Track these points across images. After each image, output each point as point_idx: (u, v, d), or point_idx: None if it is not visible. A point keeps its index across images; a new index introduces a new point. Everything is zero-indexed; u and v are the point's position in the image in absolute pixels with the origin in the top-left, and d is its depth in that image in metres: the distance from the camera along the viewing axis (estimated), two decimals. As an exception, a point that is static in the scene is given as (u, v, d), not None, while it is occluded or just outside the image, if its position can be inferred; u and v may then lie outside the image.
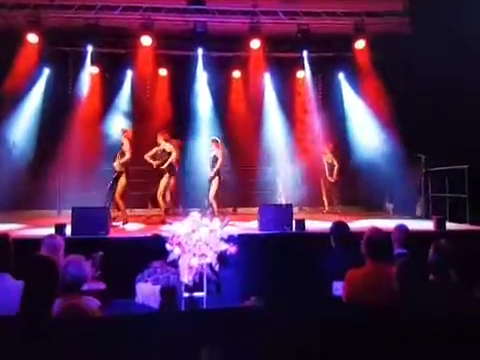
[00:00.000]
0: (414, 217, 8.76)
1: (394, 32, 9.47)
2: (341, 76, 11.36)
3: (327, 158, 10.41)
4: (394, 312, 2.59)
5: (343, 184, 10.35)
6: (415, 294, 2.87)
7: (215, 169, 8.90)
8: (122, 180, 8.03)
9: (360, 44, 10.02)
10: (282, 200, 10.01)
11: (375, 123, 10.36)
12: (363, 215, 9.17)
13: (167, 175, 8.51)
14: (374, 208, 10.09)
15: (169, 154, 8.51)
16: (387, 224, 5.66)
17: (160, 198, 8.46)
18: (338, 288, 3.54)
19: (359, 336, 2.33)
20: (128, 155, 8.05)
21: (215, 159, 8.99)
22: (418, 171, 8.96)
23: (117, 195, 8.03)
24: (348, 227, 4.41)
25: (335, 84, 11.42)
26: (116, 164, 8.10)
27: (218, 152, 9.02)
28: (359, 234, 3.60)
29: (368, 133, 10.51)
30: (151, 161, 8.53)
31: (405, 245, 4.13)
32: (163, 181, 8.48)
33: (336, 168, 10.24)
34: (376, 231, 3.49)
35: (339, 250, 4.15)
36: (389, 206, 9.78)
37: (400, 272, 3.00)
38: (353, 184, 10.39)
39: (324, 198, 10.44)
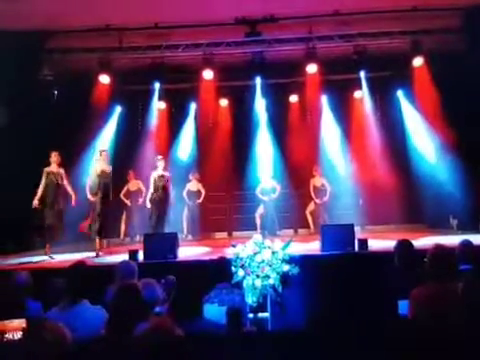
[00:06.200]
0: (479, 231, 8.50)
1: (452, 48, 9.25)
2: (400, 94, 11.21)
3: (315, 181, 10.45)
4: (461, 329, 2.56)
5: (406, 201, 10.29)
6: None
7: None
8: None
9: (418, 61, 9.86)
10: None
11: (435, 139, 10.14)
12: (427, 232, 8.96)
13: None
14: (438, 224, 9.83)
15: None
16: (452, 240, 5.52)
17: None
18: (404, 307, 3.49)
19: (425, 355, 2.37)
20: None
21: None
22: (480, 185, 8.78)
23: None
24: (412, 245, 4.34)
25: (394, 102, 11.28)
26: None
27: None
28: (423, 252, 3.58)
29: (429, 149, 10.34)
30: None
31: (470, 260, 4.02)
32: None
33: (328, 191, 10.29)
34: (440, 248, 3.44)
35: (404, 268, 4.11)
36: (453, 222, 9.49)
37: (466, 288, 2.91)
38: (416, 201, 10.27)
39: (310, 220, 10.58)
